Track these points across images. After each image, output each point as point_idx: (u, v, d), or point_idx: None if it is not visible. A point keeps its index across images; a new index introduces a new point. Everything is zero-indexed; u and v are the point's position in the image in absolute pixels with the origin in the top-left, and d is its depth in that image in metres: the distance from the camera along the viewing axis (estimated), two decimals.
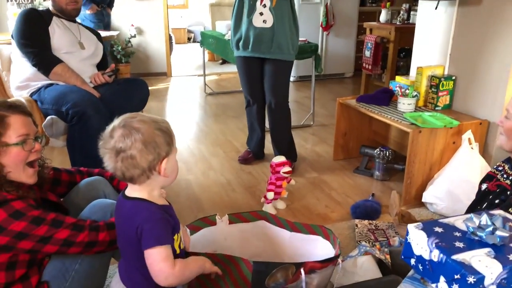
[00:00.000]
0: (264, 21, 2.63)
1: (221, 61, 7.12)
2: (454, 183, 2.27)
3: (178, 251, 1.19)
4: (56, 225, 1.24)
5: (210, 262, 1.27)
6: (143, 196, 1.16)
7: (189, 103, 4.76)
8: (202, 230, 1.56)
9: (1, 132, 1.22)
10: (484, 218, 0.99)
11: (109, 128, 1.13)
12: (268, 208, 2.37)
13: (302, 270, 1.27)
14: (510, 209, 1.32)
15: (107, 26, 4.71)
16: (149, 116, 1.16)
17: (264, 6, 2.60)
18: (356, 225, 2.21)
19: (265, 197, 2.39)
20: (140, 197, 1.16)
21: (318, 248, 1.50)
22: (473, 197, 1.76)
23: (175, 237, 1.18)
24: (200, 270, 1.23)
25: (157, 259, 1.10)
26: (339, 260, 1.39)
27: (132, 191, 1.18)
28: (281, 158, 2.38)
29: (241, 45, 2.75)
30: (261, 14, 2.62)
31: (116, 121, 1.14)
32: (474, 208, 1.63)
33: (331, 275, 1.41)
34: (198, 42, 6.93)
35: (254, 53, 2.74)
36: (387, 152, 2.74)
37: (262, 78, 2.84)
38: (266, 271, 1.27)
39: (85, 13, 4.41)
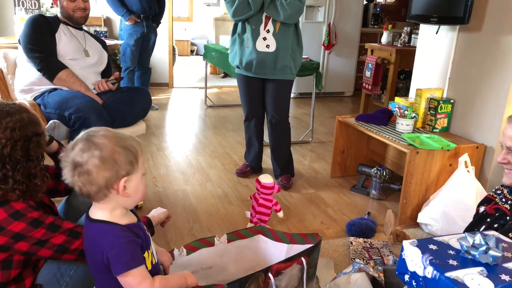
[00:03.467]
0: (267, 46, 2.65)
1: (222, 74, 7.18)
2: (450, 205, 2.29)
3: (150, 267, 1.15)
4: (53, 229, 1.24)
5: (192, 276, 1.22)
6: (105, 217, 1.11)
7: (189, 115, 4.79)
8: (198, 251, 1.55)
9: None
10: (478, 238, 1.01)
11: (73, 140, 1.10)
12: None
13: (270, 275, 1.28)
14: (510, 234, 1.33)
15: (146, 40, 4.57)
16: (115, 131, 1.12)
17: (268, 31, 2.63)
18: (351, 243, 2.21)
19: (259, 220, 2.30)
20: (102, 219, 1.11)
21: None
22: (468, 219, 1.78)
23: (146, 254, 1.14)
24: (183, 286, 1.19)
25: (134, 283, 1.07)
26: (303, 258, 1.39)
27: (95, 210, 1.13)
28: (268, 179, 2.26)
29: (243, 67, 2.77)
30: (265, 39, 2.65)
31: (81, 134, 1.10)
32: (471, 230, 1.65)
33: (300, 278, 1.41)
34: (200, 55, 6.99)
35: (256, 75, 2.77)
36: (384, 172, 2.76)
37: (262, 94, 2.87)
38: None
39: (124, 24, 4.45)
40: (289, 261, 1.33)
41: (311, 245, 1.49)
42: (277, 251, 1.60)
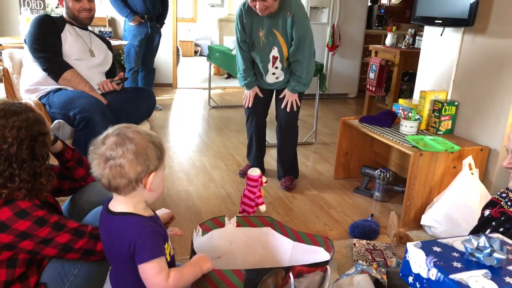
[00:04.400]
0: (277, 78, 2.75)
1: (226, 75, 7.19)
2: (453, 207, 2.29)
3: (169, 259, 1.19)
4: (58, 228, 1.25)
5: (207, 261, 1.24)
6: (129, 210, 1.15)
7: (193, 115, 4.80)
8: (210, 233, 1.58)
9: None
10: (482, 240, 1.01)
11: (102, 135, 1.13)
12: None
13: (291, 274, 1.29)
14: None
15: (151, 41, 4.60)
16: (143, 129, 1.16)
17: (276, 68, 2.69)
18: (354, 245, 2.21)
19: (244, 211, 2.40)
20: (126, 211, 1.14)
21: (318, 259, 1.51)
22: (471, 222, 1.77)
23: (166, 245, 1.18)
24: (199, 274, 1.22)
25: (152, 273, 1.09)
26: (328, 267, 1.39)
27: (117, 204, 1.16)
28: (254, 171, 2.35)
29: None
30: (274, 74, 2.73)
31: (110, 129, 1.13)
32: (476, 233, 1.64)
33: (320, 283, 1.42)
34: (204, 55, 6.99)
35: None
36: (388, 174, 2.75)
37: (269, 98, 2.90)
38: (257, 278, 1.28)
39: (128, 25, 4.47)
40: (315, 266, 1.34)
41: (327, 252, 1.50)
42: (283, 247, 1.61)
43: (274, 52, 2.62)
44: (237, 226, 1.64)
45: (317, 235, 1.58)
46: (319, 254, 1.53)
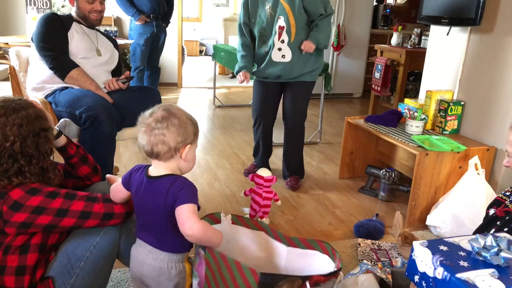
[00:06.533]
0: (283, 56, 2.65)
1: (231, 74, 7.19)
2: (459, 207, 2.28)
3: None
4: (70, 197, 1.28)
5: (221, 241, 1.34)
6: (169, 172, 1.30)
7: (197, 114, 4.80)
8: None
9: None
10: (489, 239, 1.01)
11: (150, 110, 1.31)
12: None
13: (307, 283, 1.27)
14: None
15: (156, 40, 4.62)
16: (183, 109, 1.36)
17: (282, 41, 2.62)
18: (359, 244, 2.21)
19: (263, 213, 2.40)
20: (167, 174, 1.30)
21: (316, 262, 1.50)
22: (477, 222, 1.76)
23: None
24: (219, 241, 1.32)
25: (189, 215, 1.23)
26: (341, 273, 1.39)
27: (158, 170, 1.31)
28: (268, 172, 2.36)
29: (260, 75, 2.78)
30: (280, 49, 2.65)
31: (157, 106, 1.31)
32: (481, 232, 1.64)
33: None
34: (209, 55, 6.99)
35: (274, 80, 2.78)
36: (393, 173, 2.75)
37: (277, 98, 2.86)
38: (271, 283, 1.27)
39: (134, 24, 4.48)
40: (330, 275, 1.34)
41: (325, 255, 1.48)
42: (278, 252, 1.59)
43: (281, 22, 2.59)
44: (232, 223, 1.64)
45: (310, 240, 1.56)
46: (316, 257, 1.51)
